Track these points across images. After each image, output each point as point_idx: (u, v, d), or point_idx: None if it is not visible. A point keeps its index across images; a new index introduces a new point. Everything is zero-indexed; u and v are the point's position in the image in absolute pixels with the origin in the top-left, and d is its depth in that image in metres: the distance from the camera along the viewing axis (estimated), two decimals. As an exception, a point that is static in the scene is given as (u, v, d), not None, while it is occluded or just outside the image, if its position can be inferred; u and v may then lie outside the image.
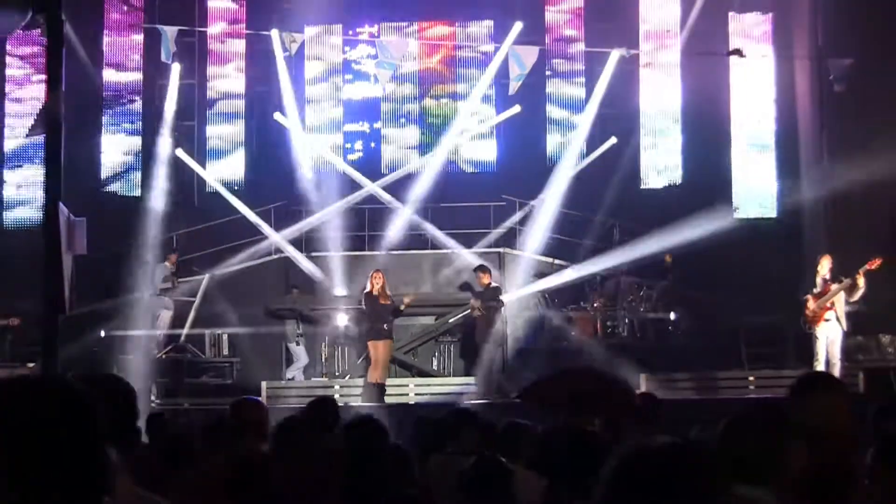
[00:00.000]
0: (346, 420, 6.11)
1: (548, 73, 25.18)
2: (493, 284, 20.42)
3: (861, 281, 17.71)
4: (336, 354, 22.19)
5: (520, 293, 22.49)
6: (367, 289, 19.89)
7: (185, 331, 21.82)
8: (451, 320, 21.88)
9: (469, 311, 20.77)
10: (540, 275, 22.87)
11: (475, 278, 20.68)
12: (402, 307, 20.23)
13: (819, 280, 18.21)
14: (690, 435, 6.73)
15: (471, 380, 20.34)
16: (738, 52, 23.11)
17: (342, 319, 21.91)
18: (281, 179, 24.87)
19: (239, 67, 25.53)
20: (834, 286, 17.96)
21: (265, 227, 23.80)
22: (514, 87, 22.41)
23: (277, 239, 23.65)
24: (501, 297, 20.37)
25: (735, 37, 24.36)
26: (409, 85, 25.88)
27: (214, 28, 25.40)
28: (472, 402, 18.17)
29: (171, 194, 24.66)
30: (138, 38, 25.05)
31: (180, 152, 24.40)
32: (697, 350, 20.72)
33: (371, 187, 24.16)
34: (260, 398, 12.92)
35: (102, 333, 21.52)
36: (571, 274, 22.56)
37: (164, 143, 24.62)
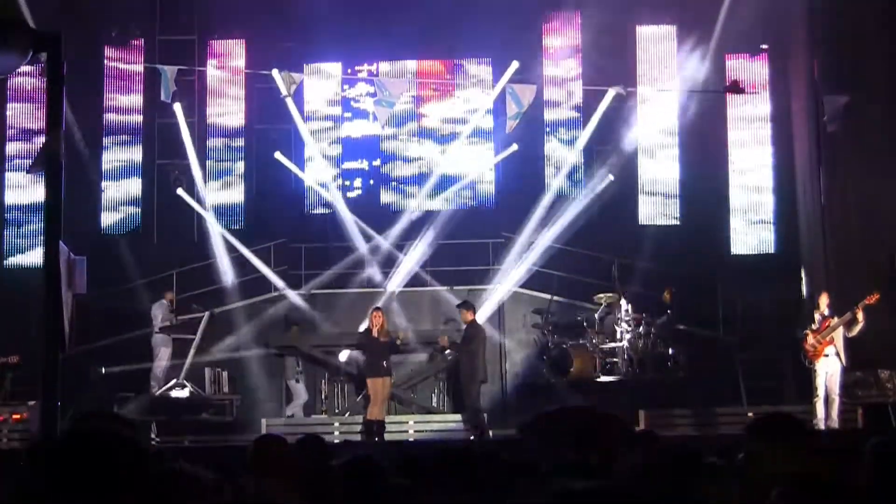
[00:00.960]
0: (342, 461, 6.09)
1: (546, 110, 25.23)
2: (477, 322, 20.40)
3: (860, 315, 17.77)
4: (336, 392, 22.20)
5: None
6: (367, 327, 20.09)
7: (184, 368, 21.83)
8: (449, 358, 21.86)
9: (439, 347, 20.95)
10: (538, 311, 22.88)
11: (458, 315, 20.70)
12: (398, 342, 20.46)
13: (817, 316, 18.29)
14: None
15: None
16: (735, 87, 23.21)
17: (342, 356, 21.94)
18: (281, 216, 24.93)
19: (238, 106, 25.57)
20: (833, 321, 18.02)
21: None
22: (511, 125, 22.48)
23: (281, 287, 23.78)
24: (480, 332, 20.28)
25: (732, 73, 24.47)
26: (408, 122, 25.93)
27: (214, 67, 25.48)
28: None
29: (171, 232, 24.71)
30: (138, 76, 25.14)
31: (181, 191, 24.44)
32: (696, 386, 20.73)
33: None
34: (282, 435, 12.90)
35: (102, 370, 21.54)
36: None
37: (164, 181, 24.75)
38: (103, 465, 3.23)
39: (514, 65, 23.71)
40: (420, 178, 25.76)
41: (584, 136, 24.84)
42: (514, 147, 24.60)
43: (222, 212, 25.27)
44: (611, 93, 23.62)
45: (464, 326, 20.24)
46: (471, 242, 24.19)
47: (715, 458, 6.38)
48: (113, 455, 3.22)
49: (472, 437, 19.10)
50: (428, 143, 25.91)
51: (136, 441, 4.82)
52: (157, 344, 21.97)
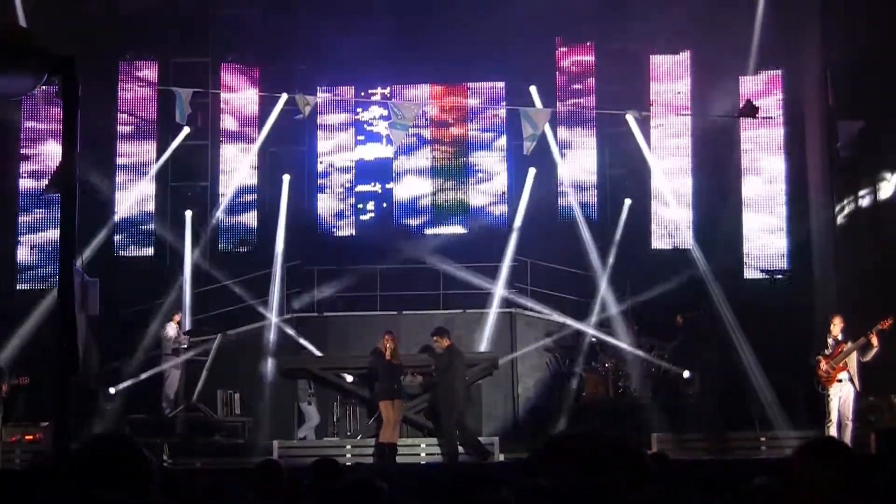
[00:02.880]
0: (342, 482, 6.09)
1: (559, 133, 25.21)
2: (454, 347, 20.28)
3: (875, 340, 17.72)
4: (348, 414, 22.16)
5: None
6: (379, 350, 20.05)
7: (196, 390, 21.83)
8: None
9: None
10: (551, 334, 22.86)
11: (433, 343, 20.52)
12: (404, 378, 20.48)
13: (830, 341, 18.23)
14: None
15: (493, 439, 20.35)
16: (748, 109, 23.15)
17: (348, 379, 21.92)
18: (293, 239, 24.90)
19: (252, 129, 25.58)
20: (848, 345, 17.96)
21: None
22: (527, 147, 22.44)
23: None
24: (458, 358, 20.17)
25: (746, 97, 24.41)
26: (421, 146, 25.92)
27: (228, 89, 25.52)
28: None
29: (183, 254, 24.70)
30: (153, 98, 25.20)
31: (189, 215, 24.46)
32: (709, 410, 20.68)
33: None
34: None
35: (112, 391, 21.54)
36: None
37: (177, 204, 24.80)
38: (115, 481, 3.22)
39: (533, 89, 23.81)
40: (433, 202, 25.75)
41: (600, 158, 24.87)
42: (532, 172, 24.59)
43: (235, 233, 25.32)
44: (629, 118, 23.52)
45: (439, 352, 20.12)
46: (484, 266, 24.14)
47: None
48: (126, 473, 3.22)
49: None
50: (441, 164, 25.89)
51: (148, 460, 4.83)
52: (167, 366, 21.97)
